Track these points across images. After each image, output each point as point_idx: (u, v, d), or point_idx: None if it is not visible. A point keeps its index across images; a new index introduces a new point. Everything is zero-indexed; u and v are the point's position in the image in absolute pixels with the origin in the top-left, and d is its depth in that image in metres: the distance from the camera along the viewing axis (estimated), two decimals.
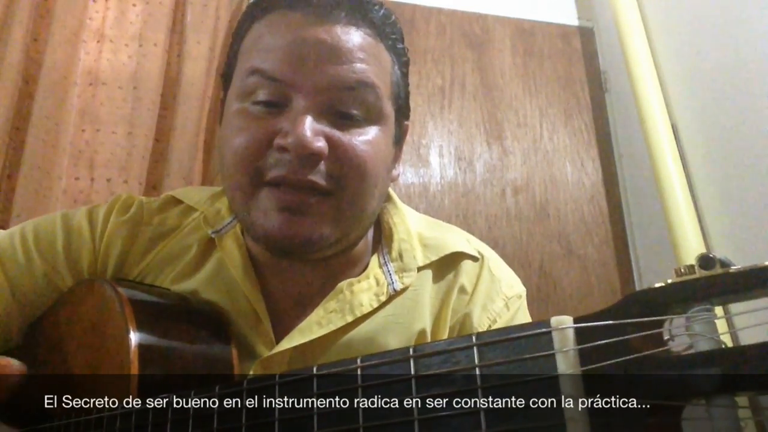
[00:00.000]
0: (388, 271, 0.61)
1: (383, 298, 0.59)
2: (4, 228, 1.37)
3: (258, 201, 0.53)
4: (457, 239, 0.66)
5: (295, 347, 0.56)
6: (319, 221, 0.52)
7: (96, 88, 1.54)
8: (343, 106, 0.53)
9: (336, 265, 0.61)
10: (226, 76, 0.61)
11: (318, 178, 0.52)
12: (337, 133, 0.53)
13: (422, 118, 1.85)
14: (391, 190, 0.66)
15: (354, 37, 0.54)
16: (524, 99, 1.96)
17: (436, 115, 1.88)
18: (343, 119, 0.54)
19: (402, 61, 0.61)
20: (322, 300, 0.59)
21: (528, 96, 1.97)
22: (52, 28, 1.50)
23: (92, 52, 1.56)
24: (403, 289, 0.60)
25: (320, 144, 0.51)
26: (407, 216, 0.66)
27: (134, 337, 0.49)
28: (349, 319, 0.58)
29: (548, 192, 1.88)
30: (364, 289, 0.59)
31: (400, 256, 0.62)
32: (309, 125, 0.50)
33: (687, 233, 1.51)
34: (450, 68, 1.93)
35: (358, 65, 0.53)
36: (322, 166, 0.52)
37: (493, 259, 0.67)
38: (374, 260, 0.62)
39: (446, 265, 0.64)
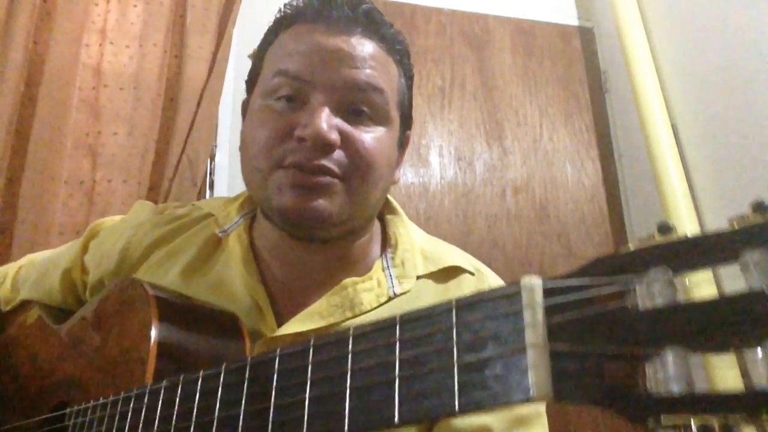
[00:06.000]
0: (390, 276, 0.65)
1: (383, 300, 0.63)
2: (7, 229, 1.39)
3: (274, 179, 0.58)
4: (457, 256, 0.71)
5: (296, 334, 0.59)
6: (328, 200, 0.58)
7: (98, 91, 1.55)
8: (355, 104, 0.60)
9: (336, 261, 0.65)
10: (250, 82, 0.68)
11: (330, 163, 0.57)
12: (348, 128, 0.59)
13: (422, 118, 1.86)
14: (398, 206, 0.73)
15: (367, 47, 0.61)
16: (524, 99, 1.97)
17: (436, 115, 1.89)
18: (354, 116, 0.60)
19: (408, 75, 0.68)
20: (322, 296, 0.63)
21: (528, 96, 1.97)
22: (54, 32, 1.52)
23: (94, 55, 1.58)
24: (402, 293, 0.64)
25: (334, 135, 0.57)
26: (412, 231, 0.72)
27: (155, 333, 0.53)
28: (349, 315, 0.61)
29: (548, 192, 1.89)
30: (366, 289, 0.63)
31: (402, 263, 0.66)
32: (326, 118, 0.57)
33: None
34: (450, 68, 1.94)
35: (369, 71, 0.60)
36: (334, 155, 0.58)
37: (492, 277, 0.71)
38: (378, 264, 0.66)
39: (444, 277, 0.68)
